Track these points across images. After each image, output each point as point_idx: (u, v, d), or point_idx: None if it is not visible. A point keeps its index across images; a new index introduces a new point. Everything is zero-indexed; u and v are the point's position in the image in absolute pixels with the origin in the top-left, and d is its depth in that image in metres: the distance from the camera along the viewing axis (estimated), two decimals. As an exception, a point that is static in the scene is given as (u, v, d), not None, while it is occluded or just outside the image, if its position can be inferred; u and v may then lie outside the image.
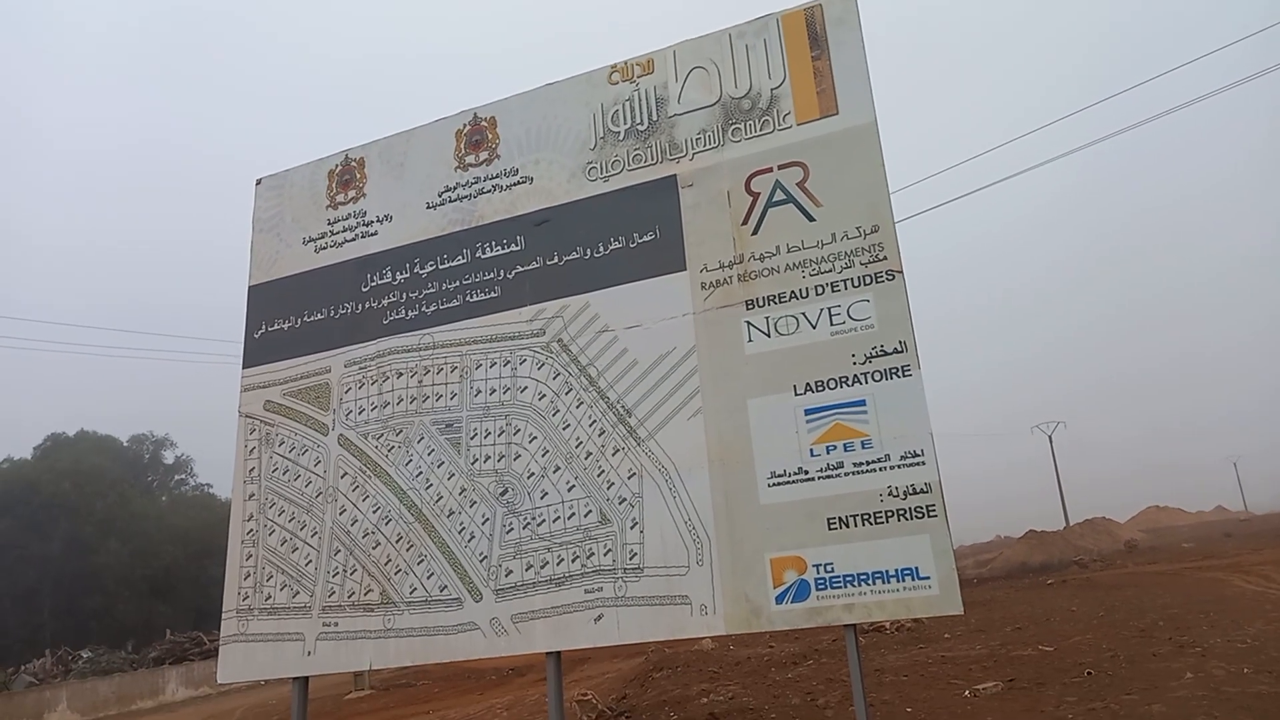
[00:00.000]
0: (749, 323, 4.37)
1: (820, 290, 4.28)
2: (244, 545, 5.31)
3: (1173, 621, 9.43)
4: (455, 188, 5.29)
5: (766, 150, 4.56)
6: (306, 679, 5.11)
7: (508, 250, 5.05)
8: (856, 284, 4.22)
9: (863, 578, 3.90)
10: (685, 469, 4.33)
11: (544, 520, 4.59)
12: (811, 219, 4.39)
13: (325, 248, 5.61)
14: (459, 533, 4.77)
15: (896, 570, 3.85)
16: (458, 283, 5.13)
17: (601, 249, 4.82)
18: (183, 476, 37.74)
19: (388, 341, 5.23)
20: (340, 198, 5.65)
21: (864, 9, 4.58)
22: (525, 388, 4.80)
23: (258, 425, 5.48)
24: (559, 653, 4.56)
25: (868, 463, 4.01)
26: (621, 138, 4.92)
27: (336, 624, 4.92)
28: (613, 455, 4.51)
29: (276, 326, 5.61)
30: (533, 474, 4.67)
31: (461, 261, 5.15)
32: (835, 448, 4.08)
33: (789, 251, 4.39)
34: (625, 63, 5.03)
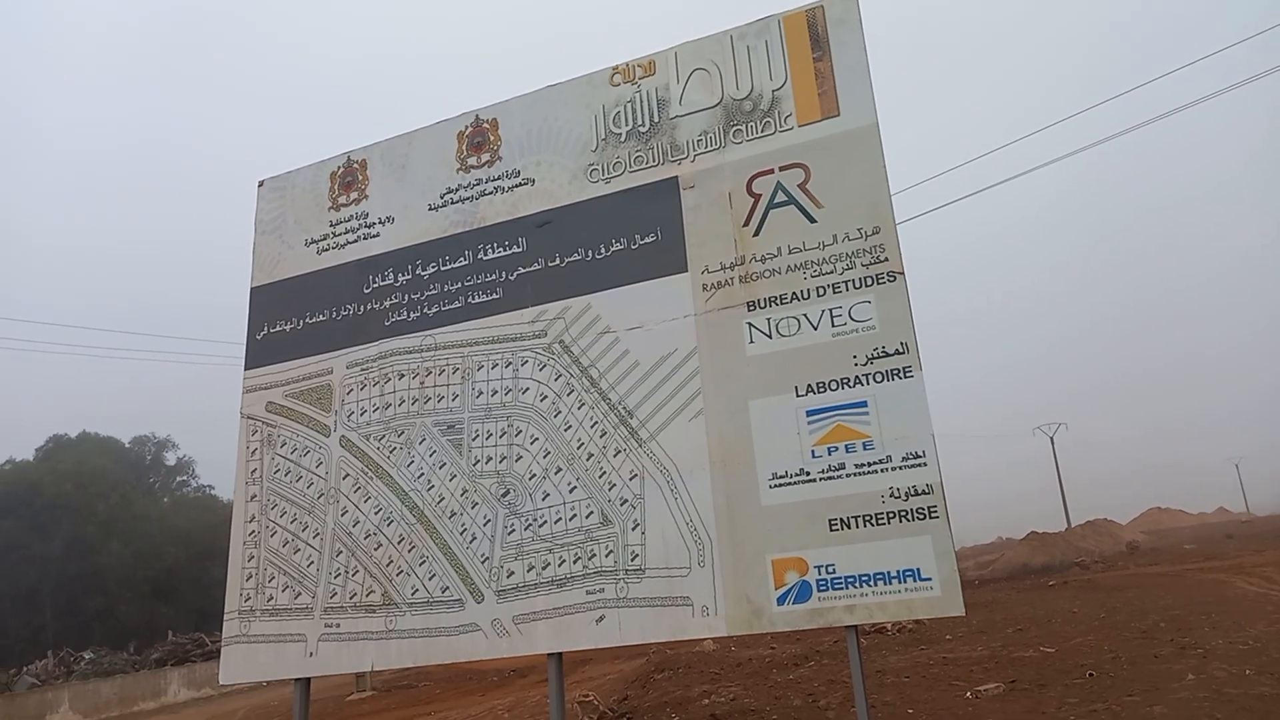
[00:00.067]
0: (750, 324, 4.38)
1: (821, 291, 4.29)
2: (246, 546, 5.32)
3: (1174, 623, 9.42)
4: (457, 189, 5.30)
5: (768, 152, 4.56)
6: (308, 680, 5.11)
7: (509, 252, 5.06)
8: (858, 285, 4.23)
9: (864, 579, 3.90)
10: (687, 470, 4.33)
11: (545, 521, 4.59)
12: (813, 220, 4.39)
13: (327, 249, 5.62)
14: (460, 534, 4.78)
15: (898, 571, 3.85)
16: (459, 284, 5.14)
17: (603, 250, 4.82)
18: (184, 478, 37.80)
19: (390, 343, 5.24)
20: (342, 199, 5.66)
21: (865, 10, 4.59)
22: (527, 389, 4.81)
23: (260, 426, 5.49)
24: (560, 654, 4.57)
25: (869, 464, 4.02)
26: (623, 139, 4.93)
27: (338, 625, 4.93)
28: (614, 456, 4.51)
29: (279, 328, 5.62)
30: (534, 475, 4.68)
31: (463, 263, 5.16)
32: (837, 449, 4.09)
33: (790, 253, 4.39)
34: (626, 64, 5.04)
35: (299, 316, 5.57)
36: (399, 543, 4.90)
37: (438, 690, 14.10)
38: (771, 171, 4.53)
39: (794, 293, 4.33)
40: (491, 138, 5.29)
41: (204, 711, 18.80)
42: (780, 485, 4.14)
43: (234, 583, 5.29)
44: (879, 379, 4.09)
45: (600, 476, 4.52)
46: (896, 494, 3.94)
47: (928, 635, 10.86)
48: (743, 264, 4.47)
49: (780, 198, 4.48)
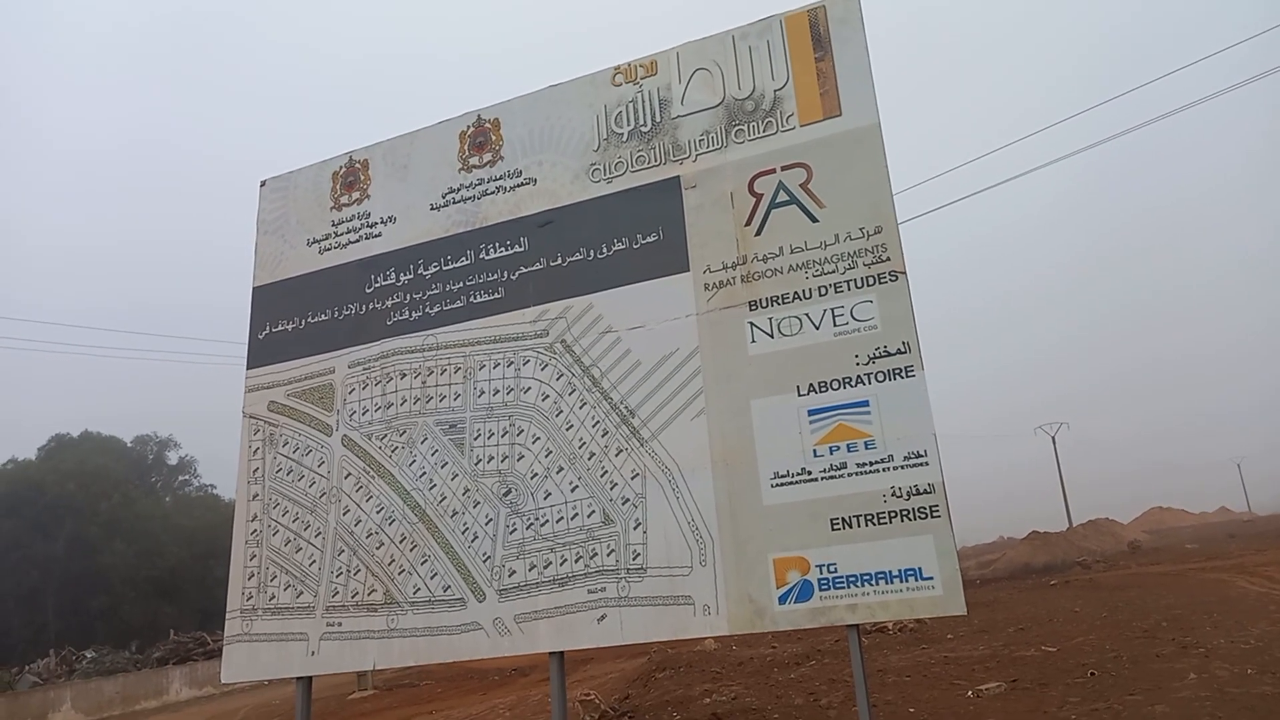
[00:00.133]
0: (752, 323, 4.38)
1: (823, 291, 4.29)
2: (248, 545, 5.33)
3: (1176, 622, 9.42)
4: (459, 189, 5.31)
5: (770, 151, 4.56)
6: (310, 679, 5.12)
7: (511, 251, 5.06)
8: (859, 285, 4.23)
9: (866, 578, 3.90)
10: (688, 469, 4.33)
11: (547, 520, 4.60)
12: (814, 220, 4.39)
13: (329, 249, 5.62)
14: (462, 533, 4.78)
15: (900, 570, 3.86)
16: (461, 284, 5.14)
17: (605, 250, 4.82)
18: (186, 477, 37.83)
19: (391, 342, 5.25)
20: (344, 199, 5.67)
21: (866, 10, 4.59)
22: (529, 388, 4.81)
23: (262, 426, 5.50)
24: (562, 653, 4.57)
25: (871, 463, 4.02)
26: (625, 139, 4.93)
27: (340, 624, 4.93)
28: (616, 456, 4.52)
29: (281, 327, 5.63)
30: (536, 474, 4.68)
31: (465, 263, 5.16)
32: (838, 448, 4.09)
33: (792, 252, 4.39)
34: (628, 64, 5.04)
35: (301, 316, 5.58)
36: (401, 542, 4.91)
37: (439, 689, 14.12)
38: (773, 171, 4.53)
39: (796, 292, 4.33)
40: (493, 137, 5.29)
41: (206, 710, 18.83)
42: (782, 484, 4.14)
43: (236, 581, 5.29)
44: (881, 378, 4.09)
45: (602, 476, 4.52)
46: (898, 493, 3.94)
47: (929, 634, 10.86)
48: (744, 263, 4.47)
49: (782, 197, 4.48)
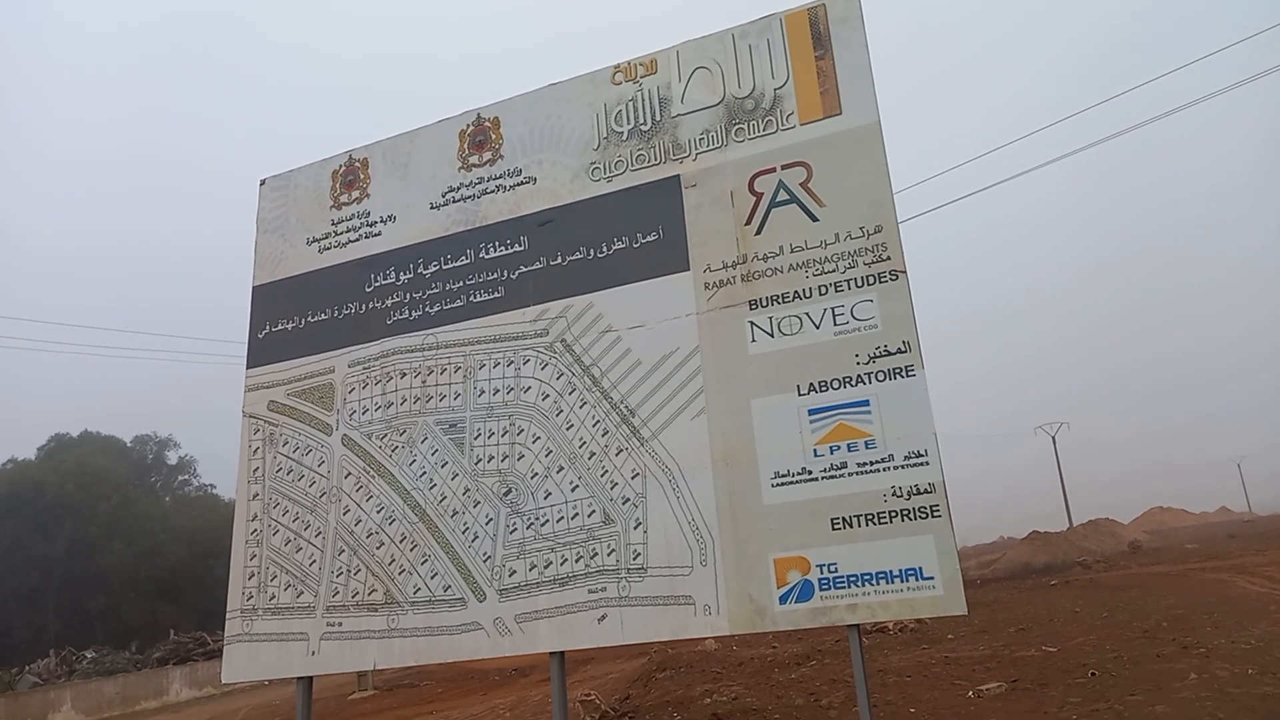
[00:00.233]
0: (752, 323, 4.37)
1: (824, 290, 4.28)
2: (248, 545, 5.32)
3: (1177, 623, 9.41)
4: (459, 188, 5.30)
5: (770, 150, 4.56)
6: (311, 679, 5.11)
7: (511, 250, 5.06)
8: (860, 284, 4.22)
9: (866, 578, 3.90)
10: (689, 469, 4.33)
11: (547, 520, 4.59)
12: (815, 219, 4.39)
13: (329, 248, 5.62)
14: (463, 533, 4.78)
15: (900, 570, 3.85)
16: (461, 283, 5.14)
17: (605, 249, 4.82)
18: (186, 477, 37.84)
19: (391, 342, 5.24)
20: (344, 198, 5.66)
21: (867, 9, 4.58)
22: (529, 388, 4.81)
23: (262, 425, 5.49)
24: (563, 653, 4.56)
25: (871, 463, 4.01)
26: (625, 138, 4.93)
27: (341, 624, 4.93)
28: (616, 455, 4.51)
29: (281, 327, 5.62)
30: (536, 474, 4.68)
31: (465, 262, 5.16)
32: (839, 448, 4.08)
33: (792, 251, 4.39)
34: (628, 63, 5.03)
35: (301, 315, 5.57)
36: (401, 541, 4.90)
37: (439, 689, 14.11)
38: (773, 170, 4.53)
39: (796, 291, 4.33)
40: (493, 136, 5.29)
41: (206, 711, 18.82)
42: (782, 484, 4.13)
43: (236, 581, 5.29)
44: (881, 378, 4.08)
45: (602, 475, 4.52)
46: (899, 493, 3.93)
47: (929, 635, 10.86)
48: (744, 263, 4.46)
49: (782, 196, 4.48)
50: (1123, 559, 25.68)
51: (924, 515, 3.87)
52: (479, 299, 5.07)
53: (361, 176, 5.65)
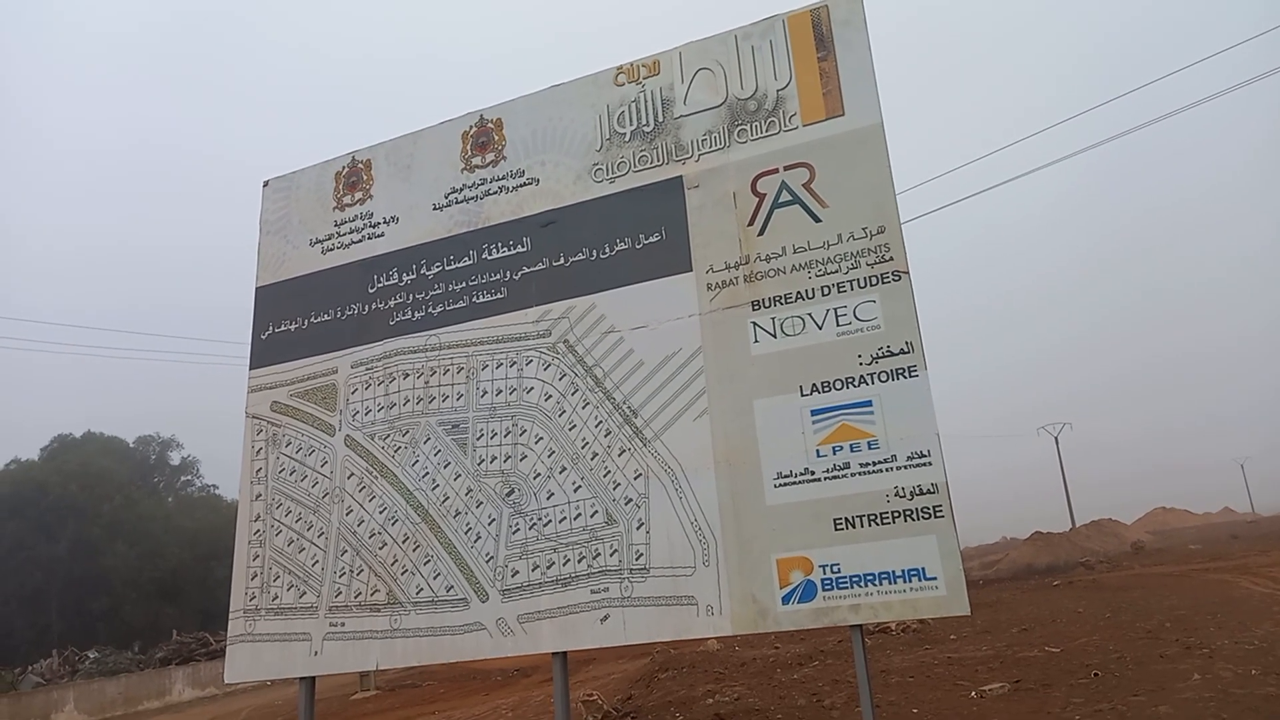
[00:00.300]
0: (755, 323, 4.38)
1: (826, 291, 4.28)
2: (251, 546, 5.33)
3: (1180, 623, 9.40)
4: (462, 189, 5.31)
5: (772, 151, 4.56)
6: (313, 679, 5.12)
7: (514, 251, 5.06)
8: (863, 285, 4.22)
9: (869, 578, 3.90)
10: (691, 469, 4.33)
11: (550, 521, 4.59)
12: (817, 220, 4.39)
13: (332, 249, 5.63)
14: (465, 533, 4.78)
15: (903, 571, 3.85)
16: (464, 284, 5.14)
17: (607, 250, 4.82)
18: (189, 477, 37.84)
19: (394, 342, 5.25)
20: (347, 199, 5.67)
21: (869, 10, 4.58)
22: (531, 388, 4.81)
23: (265, 426, 5.50)
24: (565, 653, 4.57)
25: (874, 463, 4.01)
26: (627, 139, 4.93)
27: (343, 624, 4.93)
28: (619, 456, 4.51)
29: (284, 327, 5.63)
30: (539, 474, 4.68)
31: (468, 263, 5.16)
32: (841, 448, 4.08)
33: (795, 252, 4.39)
34: (631, 64, 5.04)
35: (304, 316, 5.58)
36: (404, 542, 4.91)
37: (441, 690, 14.12)
38: (776, 171, 4.53)
39: (798, 292, 4.33)
40: (496, 137, 5.29)
41: (208, 711, 18.83)
42: (785, 485, 4.13)
43: (239, 582, 5.29)
44: (884, 378, 4.09)
45: (605, 476, 4.52)
46: (901, 493, 3.94)
47: (932, 635, 10.85)
48: (747, 263, 4.47)
49: (785, 197, 4.48)
50: (1125, 559, 25.64)
51: (927, 516, 3.87)
52: (482, 300, 5.07)
53: (364, 178, 5.66)
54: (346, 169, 5.74)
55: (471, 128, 5.38)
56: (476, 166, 5.31)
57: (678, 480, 4.35)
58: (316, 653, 4.96)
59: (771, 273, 4.41)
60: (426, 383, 5.10)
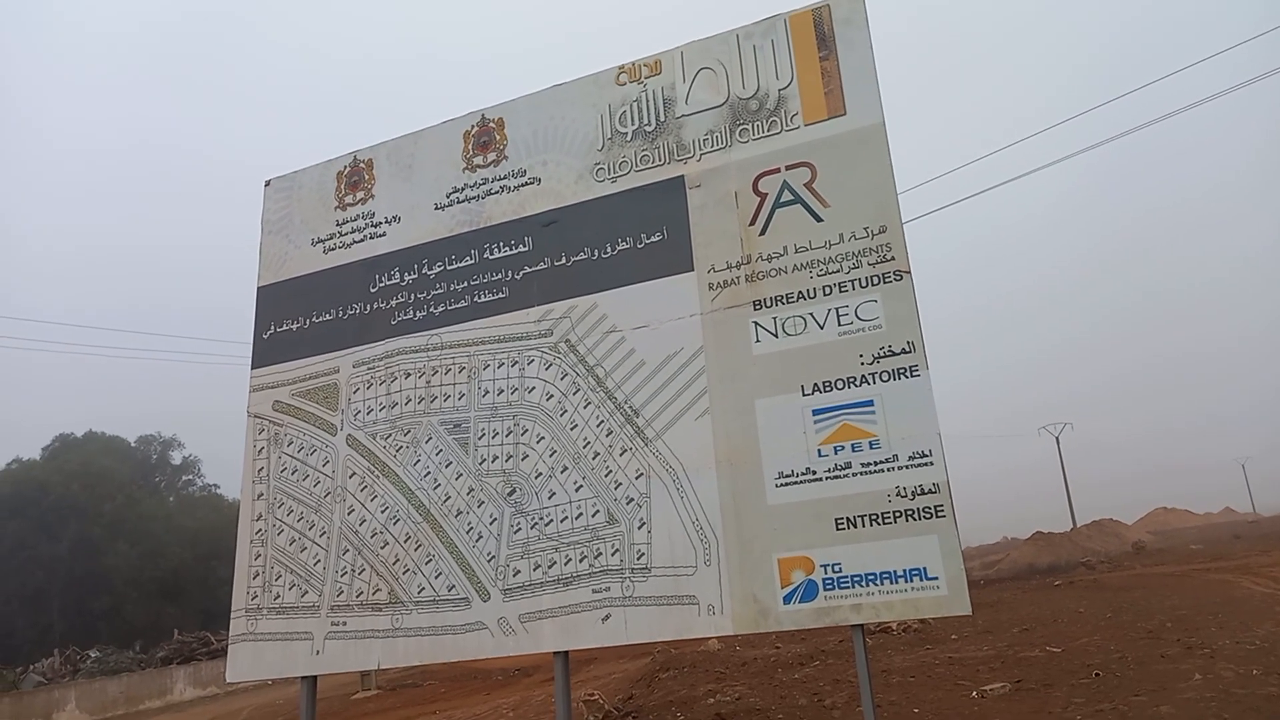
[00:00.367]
0: (756, 323, 4.38)
1: (828, 291, 4.28)
2: (253, 545, 5.33)
3: (1181, 623, 9.40)
4: (463, 189, 5.31)
5: (774, 151, 4.56)
6: (315, 678, 5.12)
7: (515, 251, 5.06)
8: (864, 284, 4.22)
9: (870, 578, 3.90)
10: (693, 469, 4.33)
11: (551, 520, 4.60)
12: (819, 219, 4.39)
13: (334, 249, 5.63)
14: (467, 532, 4.79)
15: (904, 570, 3.85)
16: (466, 283, 5.14)
17: (609, 250, 4.83)
18: (190, 477, 37.83)
19: (396, 342, 5.25)
20: (349, 199, 5.68)
21: (871, 9, 4.58)
22: (533, 388, 4.82)
23: (266, 425, 5.51)
24: (566, 653, 4.57)
25: (876, 463, 4.01)
26: (629, 139, 4.93)
27: (345, 623, 4.94)
28: (620, 455, 4.52)
29: (285, 327, 5.64)
30: (540, 474, 4.68)
31: (469, 262, 5.17)
32: (843, 448, 4.09)
33: (796, 252, 4.39)
34: (633, 64, 5.04)
35: (305, 316, 5.58)
36: (405, 541, 4.91)
37: (442, 689, 14.13)
38: (778, 170, 4.53)
39: (800, 292, 4.33)
40: (498, 137, 5.29)
41: (209, 710, 18.84)
42: (786, 484, 4.13)
43: (241, 581, 5.30)
44: (885, 378, 4.09)
45: (606, 475, 4.52)
46: (903, 493, 3.94)
47: (933, 635, 10.85)
48: (749, 263, 4.47)
49: (786, 197, 4.48)
50: (1127, 559, 25.64)
51: (928, 515, 3.87)
52: (483, 299, 5.08)
53: (366, 177, 5.66)
54: (348, 168, 5.74)
55: (473, 127, 5.39)
56: (478, 166, 5.31)
57: (679, 480, 4.35)
58: (318, 652, 4.97)
59: (773, 272, 4.41)
60: (428, 382, 5.10)
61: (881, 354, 4.12)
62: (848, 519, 3.99)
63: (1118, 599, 13.33)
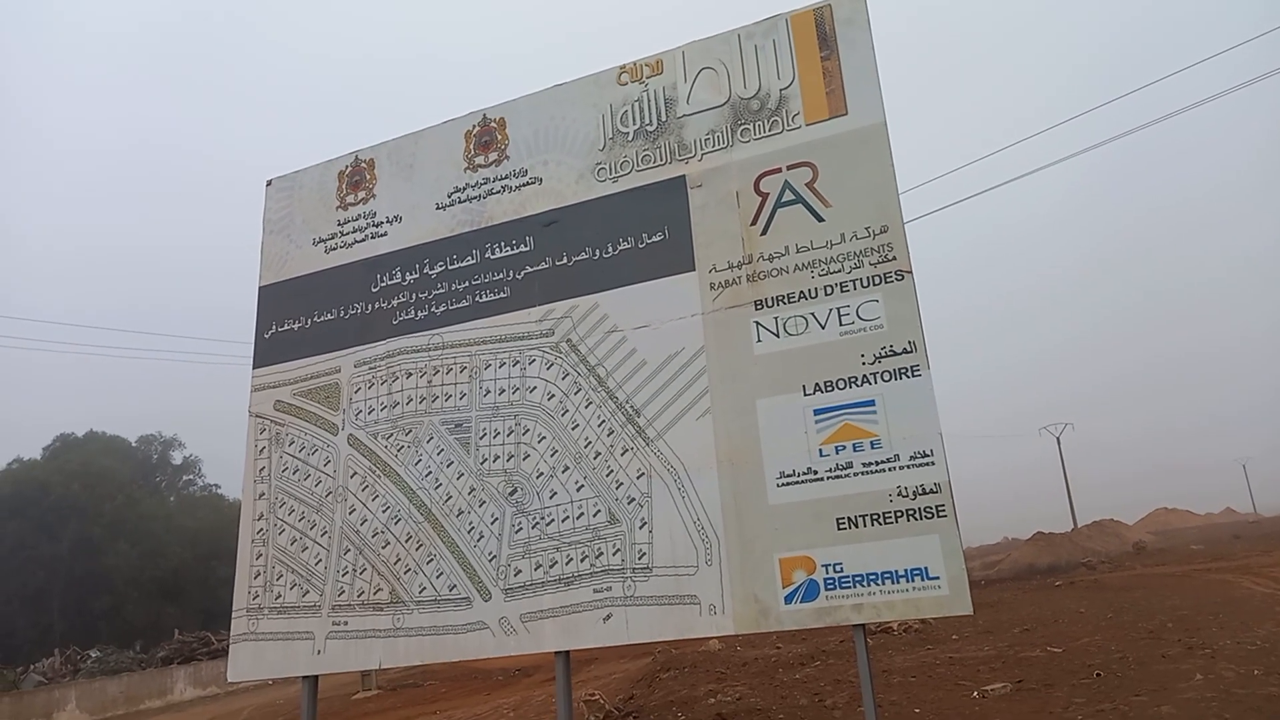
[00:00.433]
0: (758, 323, 4.38)
1: (829, 290, 4.29)
2: (254, 544, 5.33)
3: (1182, 623, 9.39)
4: (464, 188, 5.31)
5: (775, 150, 4.56)
6: (316, 678, 5.12)
7: (517, 251, 5.06)
8: (865, 284, 4.22)
9: (872, 578, 3.90)
10: (694, 469, 4.33)
11: (553, 520, 4.60)
12: (820, 219, 4.39)
13: (335, 248, 5.63)
14: (468, 532, 4.79)
15: (906, 570, 3.85)
16: (467, 283, 5.15)
17: (610, 249, 4.83)
18: (191, 477, 37.82)
19: (397, 341, 5.25)
20: (350, 199, 5.68)
21: (872, 9, 4.58)
22: (534, 388, 4.82)
23: (268, 425, 5.51)
24: (568, 652, 4.57)
25: (877, 463, 4.01)
26: (630, 138, 4.94)
27: (346, 623, 4.94)
28: (621, 455, 4.52)
29: (287, 327, 5.64)
30: (542, 474, 4.68)
31: (471, 262, 5.17)
32: (844, 448, 4.09)
33: (798, 252, 4.39)
34: (634, 63, 5.04)
35: (307, 315, 5.59)
36: (407, 541, 4.91)
37: (443, 689, 14.13)
38: (779, 170, 4.53)
39: (801, 291, 4.33)
40: (499, 137, 5.30)
41: (209, 710, 18.84)
42: (788, 484, 4.13)
43: (242, 580, 5.30)
44: (887, 378, 4.09)
45: (607, 475, 4.52)
46: (904, 493, 3.93)
47: (934, 635, 10.85)
48: (750, 263, 4.47)
49: (788, 196, 4.48)
50: (1127, 560, 25.63)
51: (930, 515, 3.87)
52: (485, 299, 5.08)
53: (367, 177, 5.66)
54: (349, 168, 5.75)
55: (474, 127, 5.39)
56: (479, 166, 5.31)
57: (680, 480, 4.35)
58: (319, 651, 4.97)
59: (774, 272, 4.41)
60: (429, 382, 5.10)
61: (883, 354, 4.12)
62: (849, 519, 3.99)
63: (1118, 599, 13.33)
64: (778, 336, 4.32)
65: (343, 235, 5.63)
